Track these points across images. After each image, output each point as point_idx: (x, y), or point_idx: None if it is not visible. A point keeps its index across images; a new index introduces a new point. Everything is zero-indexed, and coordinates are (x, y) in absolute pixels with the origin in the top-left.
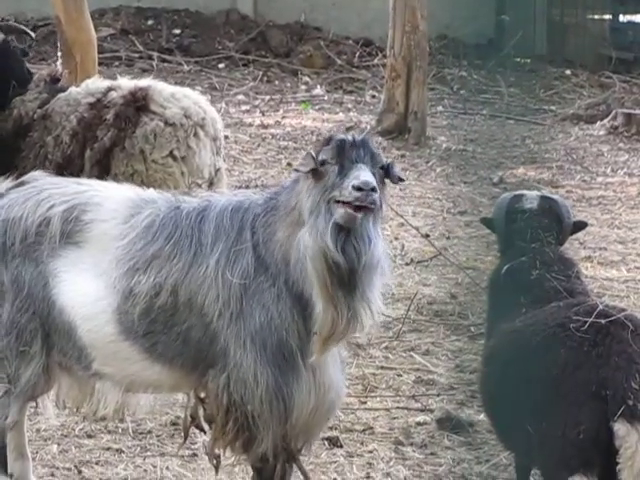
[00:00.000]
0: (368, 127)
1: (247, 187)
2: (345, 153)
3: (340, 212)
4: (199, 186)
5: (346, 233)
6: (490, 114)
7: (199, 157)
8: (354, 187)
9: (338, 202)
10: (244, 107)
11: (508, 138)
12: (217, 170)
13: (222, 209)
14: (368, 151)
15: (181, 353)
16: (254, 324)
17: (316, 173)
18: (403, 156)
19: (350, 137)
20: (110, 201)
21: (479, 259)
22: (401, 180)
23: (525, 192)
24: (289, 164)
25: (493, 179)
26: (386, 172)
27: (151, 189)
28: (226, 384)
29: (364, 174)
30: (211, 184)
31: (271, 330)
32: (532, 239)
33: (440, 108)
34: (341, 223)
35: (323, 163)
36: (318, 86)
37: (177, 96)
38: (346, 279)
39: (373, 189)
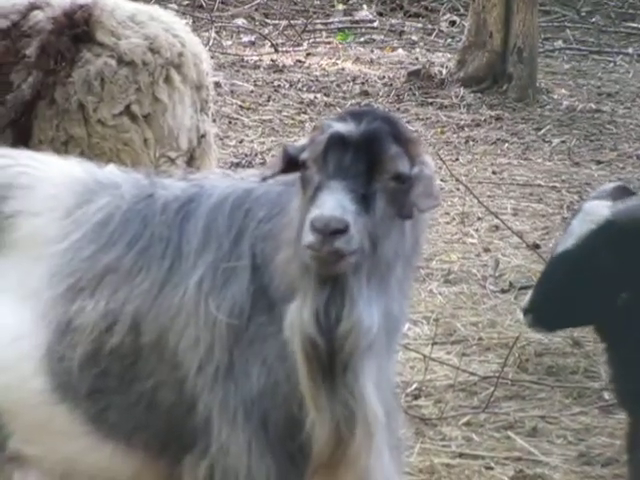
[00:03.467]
0: (444, 72)
1: (249, 165)
2: (328, 157)
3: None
4: (172, 162)
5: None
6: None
7: (172, 116)
8: (310, 226)
9: None
10: (246, 38)
11: None
12: (201, 137)
13: (219, 201)
14: (367, 155)
15: (145, 426)
16: (250, 389)
17: (303, 180)
18: (499, 119)
19: (347, 128)
20: (47, 183)
21: None
22: (424, 209)
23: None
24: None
25: None
26: (406, 184)
27: (111, 166)
28: (208, 478)
29: (330, 203)
30: (192, 159)
31: (275, 400)
32: None
33: (560, 43)
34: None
35: (305, 166)
36: (364, 6)
37: (138, 19)
38: (326, 366)
39: (337, 232)
